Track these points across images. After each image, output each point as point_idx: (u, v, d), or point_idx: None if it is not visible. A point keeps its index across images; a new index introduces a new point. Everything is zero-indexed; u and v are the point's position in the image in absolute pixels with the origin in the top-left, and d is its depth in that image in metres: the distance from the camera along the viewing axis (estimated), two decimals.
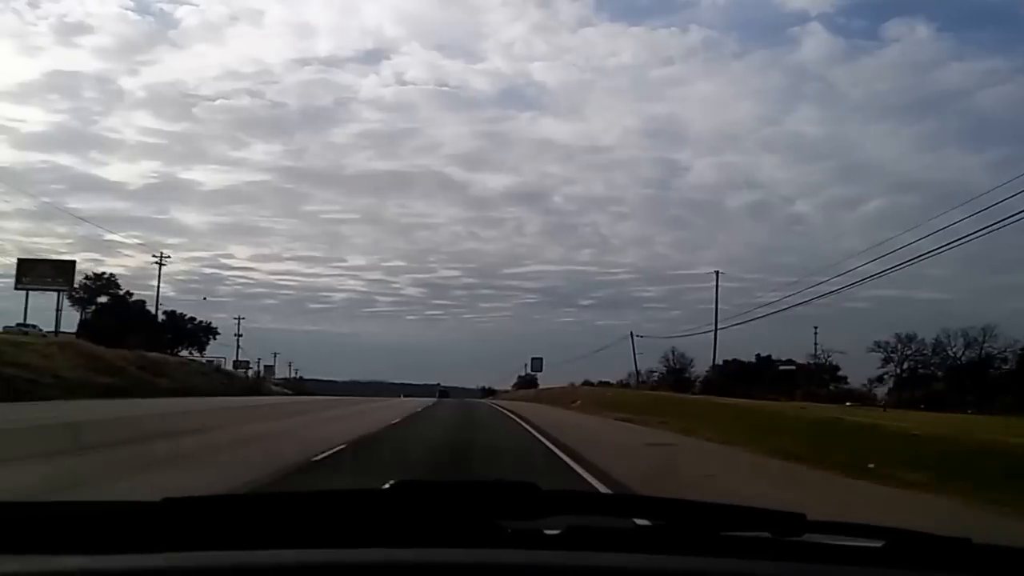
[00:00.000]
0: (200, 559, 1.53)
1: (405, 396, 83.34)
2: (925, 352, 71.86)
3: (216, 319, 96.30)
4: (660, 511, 1.87)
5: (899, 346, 72.01)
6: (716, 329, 65.46)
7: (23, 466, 10.74)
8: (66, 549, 1.55)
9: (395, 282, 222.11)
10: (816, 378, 70.73)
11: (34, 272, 65.15)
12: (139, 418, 22.57)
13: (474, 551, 1.59)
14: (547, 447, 18.11)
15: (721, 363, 72.21)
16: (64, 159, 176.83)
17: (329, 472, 11.68)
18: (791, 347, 75.62)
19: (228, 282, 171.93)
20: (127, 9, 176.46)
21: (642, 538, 1.74)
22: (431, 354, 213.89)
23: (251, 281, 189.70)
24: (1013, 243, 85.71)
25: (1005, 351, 65.69)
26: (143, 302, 79.51)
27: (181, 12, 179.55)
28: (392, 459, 14.25)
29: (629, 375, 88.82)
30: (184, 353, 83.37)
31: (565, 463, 14.33)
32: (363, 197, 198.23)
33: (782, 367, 69.18)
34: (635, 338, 76.68)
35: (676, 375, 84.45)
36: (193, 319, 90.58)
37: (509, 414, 37.22)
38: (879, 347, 71.72)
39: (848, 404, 44.93)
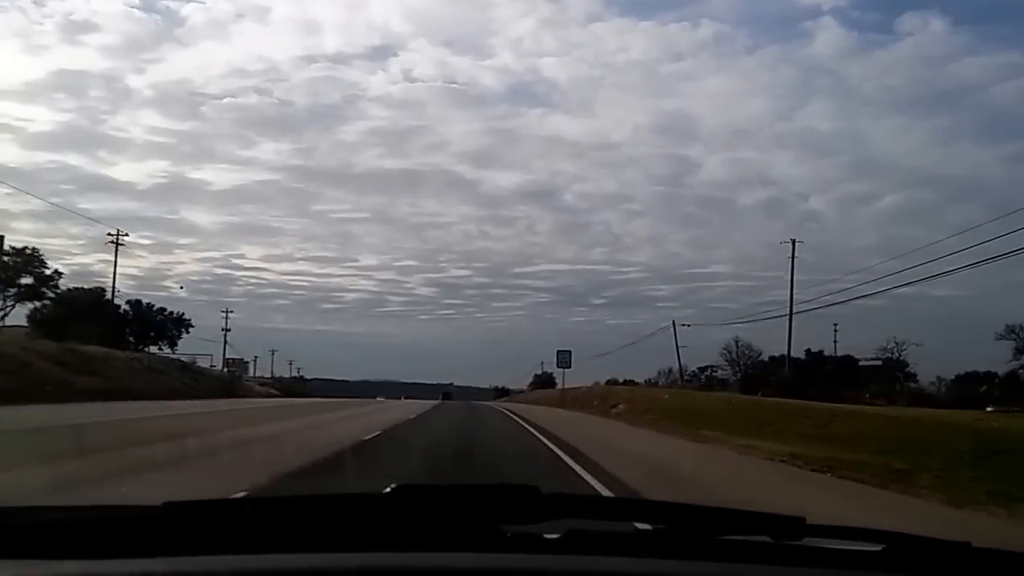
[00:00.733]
0: (200, 564, 1.52)
1: (407, 398, 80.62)
2: None
3: (229, 318, 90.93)
4: (660, 515, 1.89)
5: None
6: (791, 313, 51.80)
7: None
8: (65, 554, 1.54)
9: (407, 282, 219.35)
10: (890, 376, 58.74)
11: None
12: None
13: (474, 555, 1.59)
14: None
15: (796, 357, 56.83)
16: (73, 159, 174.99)
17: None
18: (814, 344, 66.56)
19: (240, 282, 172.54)
20: (133, 7, 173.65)
21: (642, 542, 1.74)
22: (443, 354, 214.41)
23: (263, 281, 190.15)
24: None
25: None
26: (102, 290, 68.22)
27: (187, 10, 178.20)
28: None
29: (660, 373, 77.39)
30: (154, 349, 73.94)
31: None
32: (373, 196, 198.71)
33: (864, 362, 57.32)
34: (678, 327, 63.81)
35: (747, 371, 66.49)
36: (164, 310, 79.44)
37: (532, 430, 25.25)
38: (1012, 333, 54.25)
39: (990, 409, 33.14)
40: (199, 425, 20.38)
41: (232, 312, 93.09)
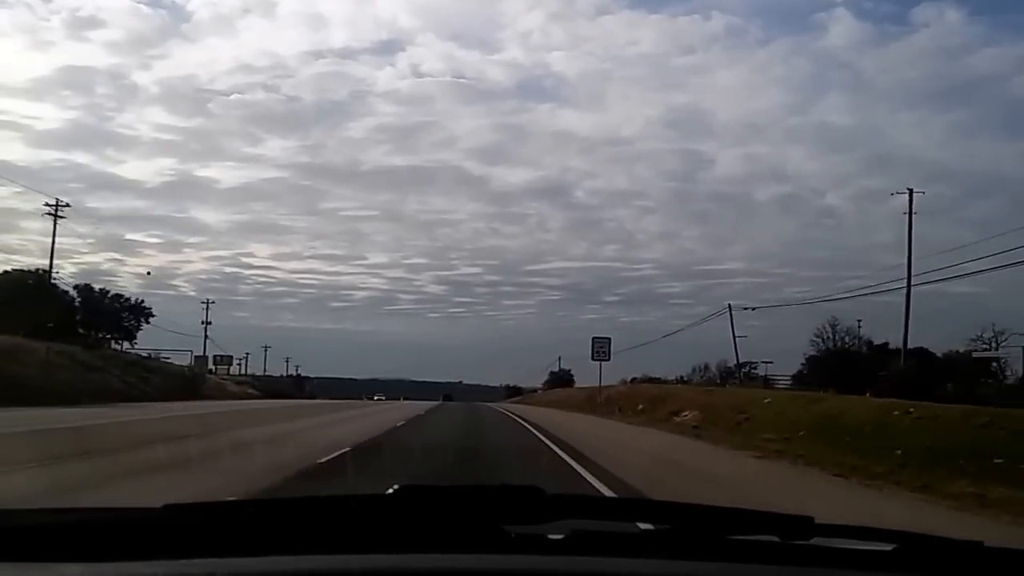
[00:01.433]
0: (200, 567, 1.51)
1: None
2: None
3: (237, 317, 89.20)
4: (666, 515, 1.87)
5: None
6: (910, 285, 39.56)
7: None
8: (65, 557, 1.54)
9: (417, 280, 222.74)
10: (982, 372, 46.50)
11: None
12: None
13: (477, 556, 1.58)
14: None
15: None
16: (80, 157, 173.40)
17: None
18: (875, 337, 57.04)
19: (249, 281, 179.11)
20: (139, 3, 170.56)
21: (647, 542, 1.73)
22: (453, 352, 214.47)
23: (272, 280, 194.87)
24: None
25: None
26: (46, 273, 57.38)
27: (193, 4, 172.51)
28: None
29: (696, 370, 66.67)
30: (125, 343, 65.35)
31: None
32: (382, 193, 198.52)
33: (977, 354, 45.46)
34: (735, 312, 52.49)
35: (841, 360, 49.98)
36: (120, 296, 68.18)
37: (566, 457, 15.40)
38: None
39: None
40: (140, 431, 15.97)
41: (213, 302, 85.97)
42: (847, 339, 54.45)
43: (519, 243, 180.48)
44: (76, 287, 63.00)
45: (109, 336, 63.65)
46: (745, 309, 51.03)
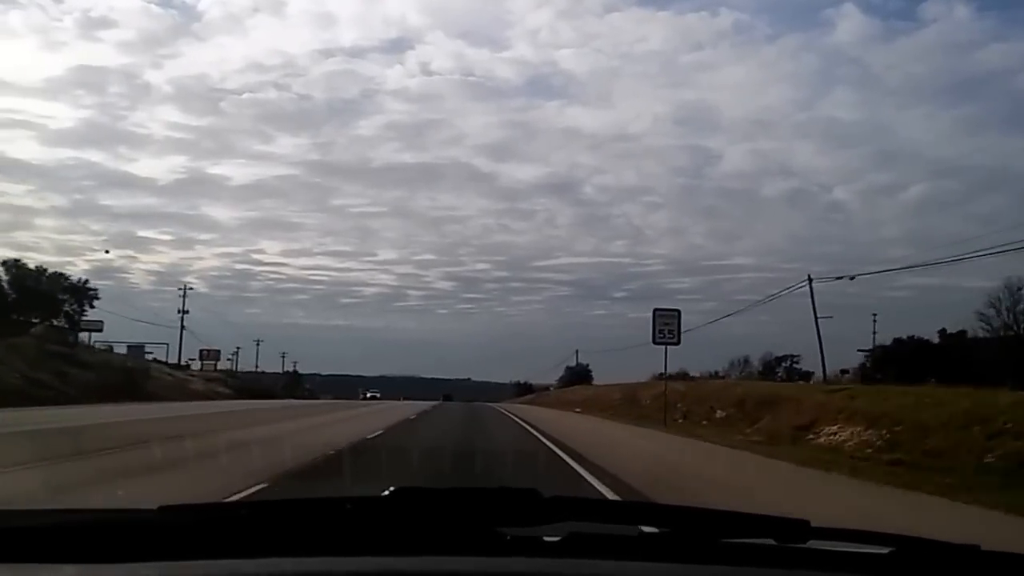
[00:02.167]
0: (195, 568, 1.50)
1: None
2: None
3: (249, 315, 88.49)
4: (663, 518, 1.86)
5: None
6: None
7: None
8: (60, 558, 1.53)
9: (426, 276, 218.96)
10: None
11: None
12: None
13: (473, 559, 1.57)
14: None
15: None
16: (93, 155, 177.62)
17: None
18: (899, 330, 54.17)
19: (260, 278, 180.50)
20: (150, 2, 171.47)
21: (644, 545, 1.70)
22: (462, 348, 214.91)
23: (283, 276, 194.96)
24: None
25: None
26: None
27: (204, 4, 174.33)
28: None
29: (734, 364, 57.07)
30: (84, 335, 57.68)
31: None
32: (391, 190, 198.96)
33: None
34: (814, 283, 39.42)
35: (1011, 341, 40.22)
36: (63, 276, 57.45)
37: None
38: None
39: None
40: None
41: (192, 288, 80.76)
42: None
43: (528, 239, 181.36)
44: (3, 263, 52.43)
45: (40, 320, 52.73)
46: (838, 279, 39.40)
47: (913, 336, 46.78)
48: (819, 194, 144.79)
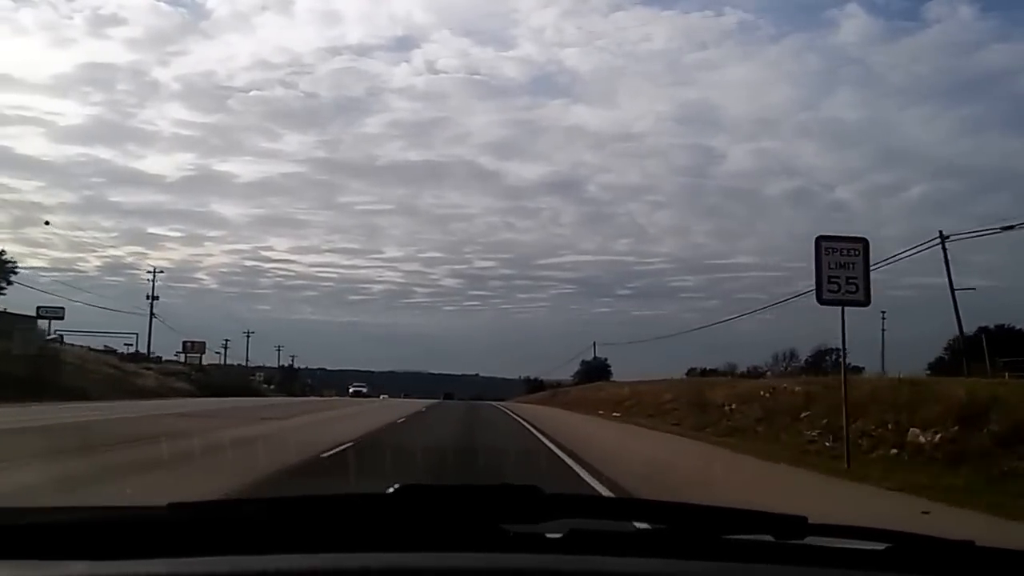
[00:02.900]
0: (203, 565, 1.50)
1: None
2: None
3: (258, 311, 79.95)
4: (662, 515, 1.86)
5: None
6: None
7: None
8: (69, 555, 1.52)
9: (432, 273, 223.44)
10: None
11: None
12: None
13: (476, 555, 1.57)
14: None
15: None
16: (102, 152, 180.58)
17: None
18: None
19: (269, 274, 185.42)
20: (159, 0, 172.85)
21: (644, 542, 1.72)
22: (469, 344, 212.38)
23: (291, 273, 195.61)
24: None
25: None
26: None
27: (212, 2, 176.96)
28: None
29: (777, 357, 52.02)
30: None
31: None
32: (397, 188, 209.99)
33: None
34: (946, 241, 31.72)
35: None
36: None
37: None
38: None
39: None
40: None
41: (163, 271, 74.22)
42: None
43: (532, 237, 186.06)
44: None
45: None
46: (985, 232, 29.83)
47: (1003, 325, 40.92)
48: (821, 193, 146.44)
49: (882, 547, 1.64)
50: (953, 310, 33.21)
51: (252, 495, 8.85)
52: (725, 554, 1.62)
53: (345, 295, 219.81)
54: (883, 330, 35.30)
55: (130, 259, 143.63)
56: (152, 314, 65.77)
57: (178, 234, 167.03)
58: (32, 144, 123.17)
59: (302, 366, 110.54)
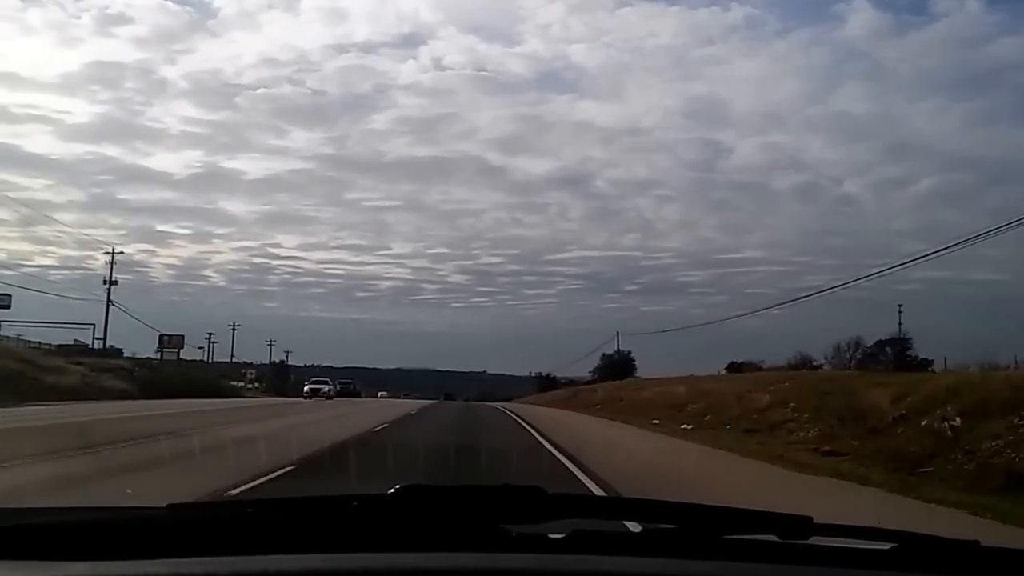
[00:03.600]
0: (203, 565, 1.49)
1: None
2: None
3: (266, 309, 75.61)
4: (665, 514, 1.85)
5: None
6: None
7: None
8: (69, 556, 1.52)
9: (440, 269, 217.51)
10: None
11: None
12: None
13: (478, 555, 1.56)
14: None
15: None
16: (110, 150, 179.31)
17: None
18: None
19: (277, 271, 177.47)
20: None
21: (647, 542, 1.71)
22: (477, 341, 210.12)
23: (299, 270, 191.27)
24: None
25: None
26: None
27: (219, 0, 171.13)
28: None
29: (839, 348, 43.94)
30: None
31: None
32: (405, 184, 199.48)
33: None
34: None
35: None
36: None
37: None
38: None
39: None
40: None
41: (122, 253, 65.02)
42: None
43: (540, 232, 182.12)
44: None
45: None
46: None
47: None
48: (830, 187, 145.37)
49: (887, 547, 1.64)
50: None
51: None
52: (729, 554, 1.61)
53: (353, 292, 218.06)
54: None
55: (139, 256, 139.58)
56: (109, 300, 56.53)
57: (186, 231, 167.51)
58: (41, 142, 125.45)
59: (303, 364, 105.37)
